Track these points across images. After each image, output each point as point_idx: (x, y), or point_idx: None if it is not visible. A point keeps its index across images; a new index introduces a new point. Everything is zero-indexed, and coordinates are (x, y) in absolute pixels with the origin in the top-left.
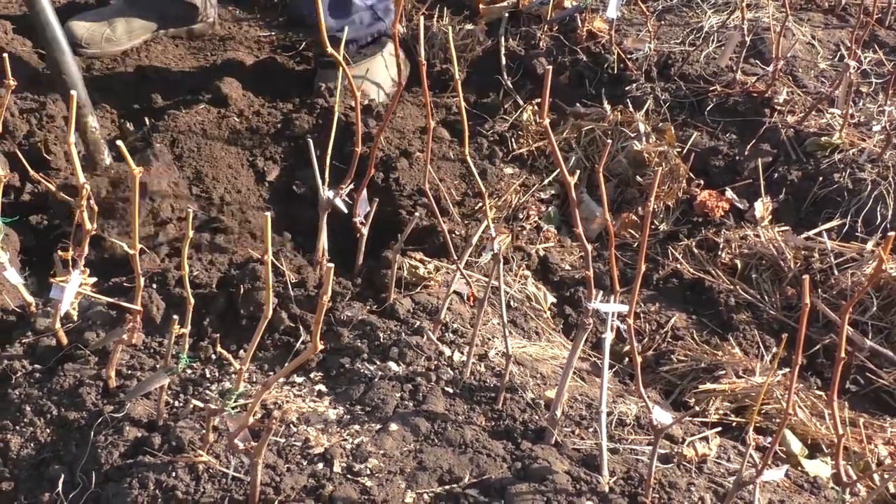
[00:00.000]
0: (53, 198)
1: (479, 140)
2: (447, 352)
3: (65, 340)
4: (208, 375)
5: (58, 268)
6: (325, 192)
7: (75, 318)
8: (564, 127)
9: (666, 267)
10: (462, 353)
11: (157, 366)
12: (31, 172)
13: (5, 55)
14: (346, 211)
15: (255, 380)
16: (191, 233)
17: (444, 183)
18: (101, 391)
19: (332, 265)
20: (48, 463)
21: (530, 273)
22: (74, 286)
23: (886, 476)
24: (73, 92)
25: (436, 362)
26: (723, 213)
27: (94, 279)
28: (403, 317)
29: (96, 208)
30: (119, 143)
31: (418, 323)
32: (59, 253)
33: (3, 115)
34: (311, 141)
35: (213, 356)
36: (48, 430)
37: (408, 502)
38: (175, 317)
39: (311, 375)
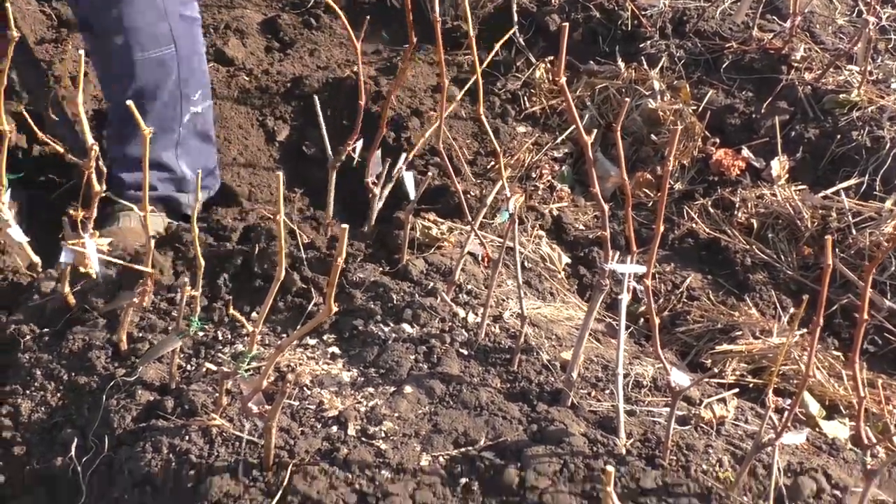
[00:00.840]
0: (61, 159)
1: (492, 98)
2: (461, 313)
3: (73, 303)
4: (221, 338)
5: (66, 230)
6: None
7: (93, 276)
8: (578, 85)
9: (681, 226)
10: (476, 314)
11: (169, 328)
12: (39, 133)
13: (8, 5)
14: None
15: (267, 342)
16: (200, 194)
17: (457, 142)
18: (111, 354)
19: (345, 226)
20: (60, 427)
21: (544, 233)
22: (93, 247)
23: None
24: (80, 51)
25: (450, 324)
26: (739, 172)
27: (108, 240)
28: (417, 278)
29: (105, 170)
30: (129, 102)
31: (432, 284)
32: (70, 213)
33: (9, 75)
34: (317, 99)
35: (226, 318)
36: (59, 395)
37: (423, 465)
38: (185, 279)
39: (325, 338)
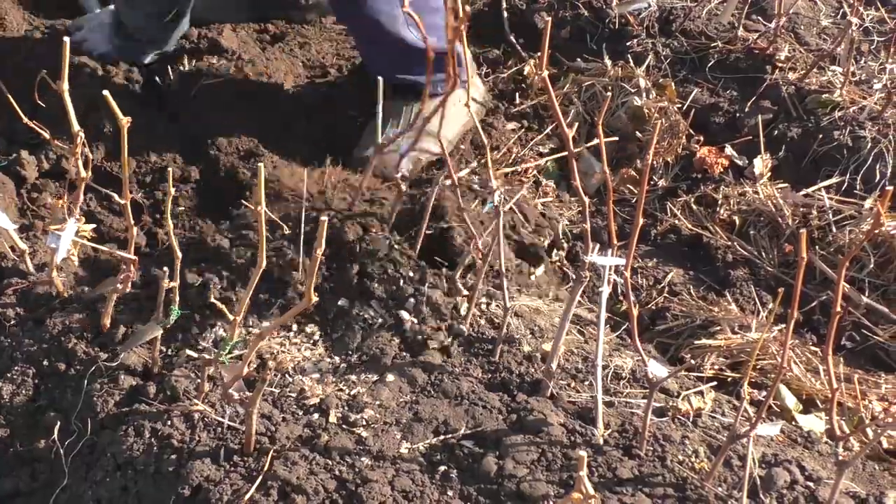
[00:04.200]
0: (49, 145)
1: None
2: None
3: (61, 288)
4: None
5: (54, 216)
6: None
7: (76, 265)
8: (565, 82)
9: (664, 223)
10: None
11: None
12: (24, 119)
13: None
14: None
15: (251, 323)
16: (172, 190)
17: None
18: (92, 340)
19: (325, 218)
20: (43, 410)
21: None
22: (70, 234)
23: (879, 431)
24: (65, 39)
25: None
26: (722, 170)
27: (93, 226)
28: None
29: (90, 156)
30: (105, 93)
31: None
32: (53, 201)
33: None
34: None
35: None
36: (42, 379)
37: (403, 453)
38: (165, 269)
39: (308, 323)
